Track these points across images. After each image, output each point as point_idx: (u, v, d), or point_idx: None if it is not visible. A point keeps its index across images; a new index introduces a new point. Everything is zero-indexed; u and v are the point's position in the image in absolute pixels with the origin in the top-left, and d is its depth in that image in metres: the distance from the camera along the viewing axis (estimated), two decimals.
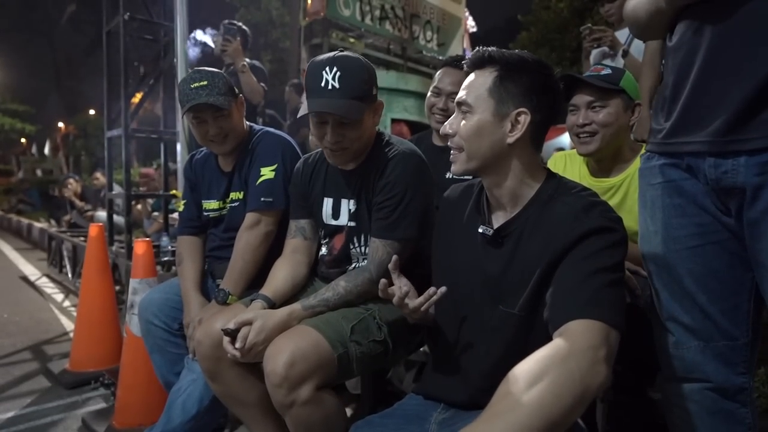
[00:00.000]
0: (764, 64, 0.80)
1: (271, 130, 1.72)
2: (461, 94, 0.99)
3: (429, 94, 1.83)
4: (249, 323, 1.19)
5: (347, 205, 1.38)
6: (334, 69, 1.21)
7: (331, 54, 1.25)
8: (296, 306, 1.26)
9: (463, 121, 0.97)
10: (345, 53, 1.26)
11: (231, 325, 1.19)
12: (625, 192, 1.43)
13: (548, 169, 1.02)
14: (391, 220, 1.27)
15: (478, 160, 0.96)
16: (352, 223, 1.37)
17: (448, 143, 1.02)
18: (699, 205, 0.93)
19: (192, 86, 1.52)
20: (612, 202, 1.37)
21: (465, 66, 1.02)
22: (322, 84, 1.21)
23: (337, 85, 1.21)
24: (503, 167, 0.96)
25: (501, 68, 0.95)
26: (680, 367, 0.98)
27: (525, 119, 0.94)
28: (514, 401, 0.70)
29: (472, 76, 1.00)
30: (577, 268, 0.85)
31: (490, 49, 0.98)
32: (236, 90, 1.63)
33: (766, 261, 0.85)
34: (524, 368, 0.73)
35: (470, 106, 0.96)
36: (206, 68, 1.59)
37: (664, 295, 0.98)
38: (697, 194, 0.93)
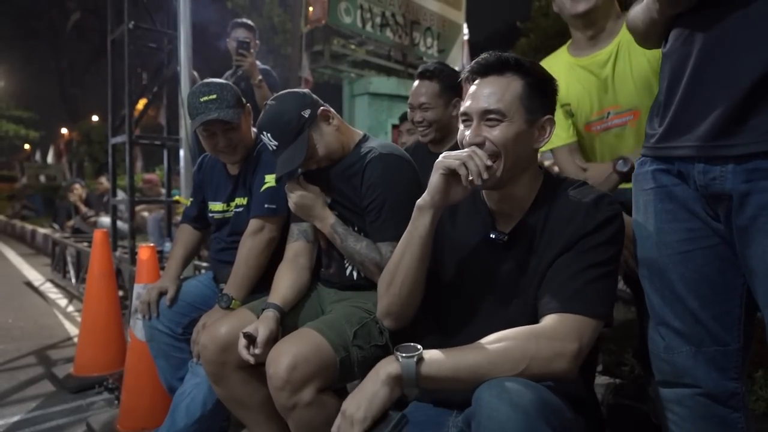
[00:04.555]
0: (751, 70, 0.82)
1: None
2: (485, 103, 0.95)
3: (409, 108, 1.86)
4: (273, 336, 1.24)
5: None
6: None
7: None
8: (332, 219, 1.37)
9: (496, 130, 0.95)
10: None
11: (251, 331, 1.23)
12: (616, 56, 1.44)
13: (541, 167, 1.06)
14: (380, 222, 1.31)
15: (516, 167, 0.98)
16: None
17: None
18: (690, 211, 0.95)
19: (201, 100, 1.55)
20: (607, 71, 1.43)
21: (475, 68, 1.00)
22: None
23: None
24: (525, 173, 1.00)
25: (530, 77, 0.97)
26: (672, 372, 0.98)
27: (550, 126, 0.99)
28: (478, 346, 0.86)
29: (489, 81, 0.97)
30: (572, 262, 0.92)
31: (510, 55, 0.98)
32: (244, 100, 1.65)
33: (756, 267, 0.86)
34: (502, 331, 0.88)
35: (503, 114, 0.95)
36: (215, 80, 1.61)
37: (656, 299, 1.00)
38: (687, 200, 0.95)
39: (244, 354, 1.22)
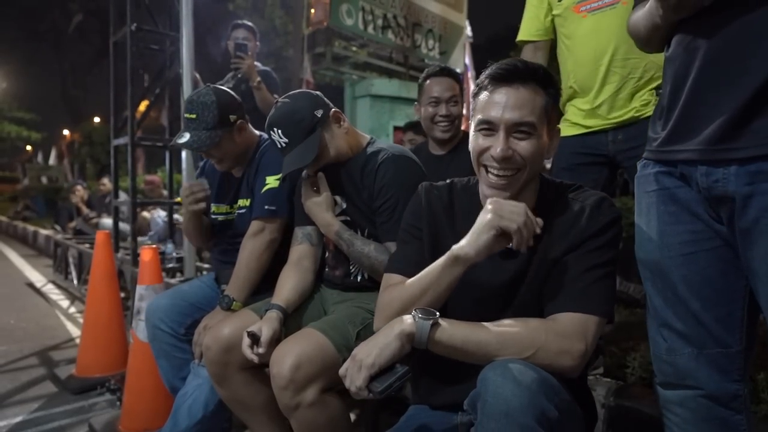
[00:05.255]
0: (754, 76, 0.83)
1: None
2: (517, 114, 0.92)
3: (426, 105, 1.86)
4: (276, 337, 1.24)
5: (339, 201, 1.43)
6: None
7: None
8: (336, 226, 1.36)
9: (525, 143, 0.93)
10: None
11: (255, 330, 1.23)
12: None
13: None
14: (392, 222, 1.31)
15: (530, 179, 0.97)
16: (345, 218, 1.42)
17: (500, 166, 0.94)
18: (692, 213, 0.95)
19: (185, 116, 1.57)
20: None
21: (500, 74, 0.94)
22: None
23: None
24: (532, 182, 1.00)
25: (552, 88, 0.96)
26: (673, 374, 0.99)
27: (557, 137, 1.00)
28: (491, 325, 0.90)
29: (515, 90, 0.92)
30: (578, 263, 0.94)
31: (537, 64, 0.97)
32: (232, 118, 1.60)
33: (758, 269, 0.87)
34: (516, 318, 0.92)
35: (534, 127, 0.93)
36: (203, 95, 1.56)
37: (658, 301, 1.00)
38: (690, 202, 0.95)
39: (248, 353, 1.22)
